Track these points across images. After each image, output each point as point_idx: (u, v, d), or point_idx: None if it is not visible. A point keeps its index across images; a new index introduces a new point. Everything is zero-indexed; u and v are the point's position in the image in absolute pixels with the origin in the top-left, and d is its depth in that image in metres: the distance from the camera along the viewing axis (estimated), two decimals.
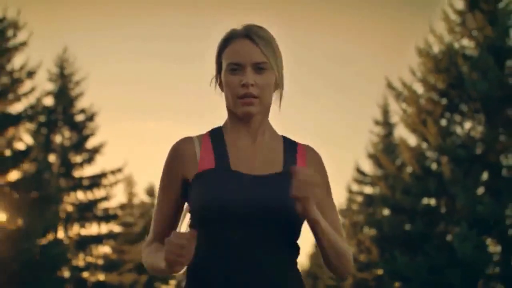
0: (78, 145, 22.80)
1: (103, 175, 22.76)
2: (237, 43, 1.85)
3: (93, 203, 22.47)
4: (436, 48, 17.61)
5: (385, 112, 25.25)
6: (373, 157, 24.08)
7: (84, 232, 22.25)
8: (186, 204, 1.89)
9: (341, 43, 42.39)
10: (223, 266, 1.77)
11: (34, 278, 15.41)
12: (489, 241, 16.05)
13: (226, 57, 1.86)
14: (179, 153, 1.90)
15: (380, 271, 20.15)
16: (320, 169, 1.93)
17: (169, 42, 42.01)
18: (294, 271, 1.87)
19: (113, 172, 22.93)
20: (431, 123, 16.74)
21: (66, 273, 20.40)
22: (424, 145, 17.61)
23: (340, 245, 1.84)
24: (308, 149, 1.95)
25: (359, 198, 26.32)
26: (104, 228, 22.64)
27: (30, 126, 16.75)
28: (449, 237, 16.18)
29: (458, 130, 17.27)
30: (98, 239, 22.19)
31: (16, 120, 15.62)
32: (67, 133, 22.95)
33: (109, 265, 22.45)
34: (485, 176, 16.62)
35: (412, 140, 18.64)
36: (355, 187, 26.53)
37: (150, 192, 35.57)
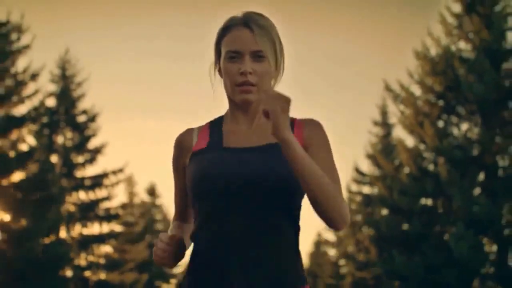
0: (80, 146, 23.00)
1: (104, 175, 22.97)
2: (236, 31, 1.86)
3: (95, 203, 22.67)
4: (433, 51, 17.85)
5: (384, 113, 25.45)
6: (371, 157, 24.27)
7: (86, 231, 22.46)
8: None
9: (341, 43, 42.40)
10: (214, 241, 1.78)
11: (38, 277, 15.59)
12: (485, 241, 16.24)
13: (225, 45, 1.88)
14: (179, 144, 1.96)
15: (378, 270, 20.38)
16: (319, 133, 1.90)
17: (169, 41, 42.02)
18: (287, 240, 1.81)
19: (114, 172, 23.14)
20: (428, 125, 16.97)
21: (69, 272, 20.59)
22: (422, 146, 17.81)
23: (323, 180, 1.73)
24: (306, 121, 1.93)
25: (358, 198, 26.54)
26: (105, 228, 22.87)
27: (33, 127, 16.95)
28: (446, 237, 16.36)
29: (455, 131, 17.47)
30: (100, 239, 22.39)
31: (20, 122, 15.84)
32: (69, 133, 23.15)
33: (111, 264, 22.65)
34: (481, 177, 16.80)
35: (410, 141, 18.87)
36: (354, 187, 26.77)
37: (150, 191, 35.73)
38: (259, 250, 1.76)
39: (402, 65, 18.27)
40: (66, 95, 23.21)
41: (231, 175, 1.78)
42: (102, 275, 22.50)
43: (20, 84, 16.33)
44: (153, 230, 32.95)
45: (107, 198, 22.95)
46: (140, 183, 43.59)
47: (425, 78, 17.71)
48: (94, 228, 22.67)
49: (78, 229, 22.24)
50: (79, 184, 22.65)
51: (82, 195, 22.65)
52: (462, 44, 17.75)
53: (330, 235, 33.81)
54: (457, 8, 17.91)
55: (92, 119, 23.26)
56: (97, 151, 23.00)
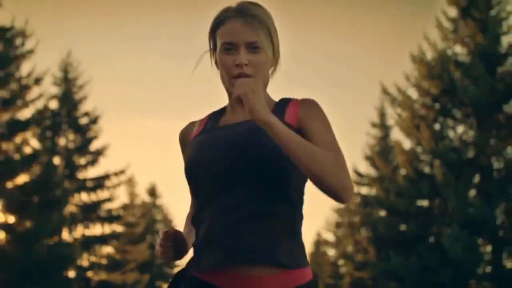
0: (82, 148, 23.22)
1: (106, 176, 23.20)
2: (230, 23, 1.84)
3: (97, 204, 22.92)
4: (429, 55, 18.14)
5: (382, 114, 25.66)
6: (369, 159, 24.49)
7: (88, 232, 22.71)
8: None
9: (341, 43, 42.26)
10: (209, 223, 1.76)
11: (42, 277, 15.82)
12: (480, 241, 16.49)
13: (220, 36, 1.85)
14: (182, 138, 1.99)
15: (376, 271, 20.62)
16: (315, 109, 1.84)
17: (169, 41, 41.85)
18: (281, 221, 1.75)
19: (116, 174, 23.39)
20: (424, 128, 17.26)
21: (72, 273, 20.81)
22: (419, 149, 18.08)
23: (315, 153, 1.67)
24: (302, 99, 1.89)
25: (357, 199, 26.74)
26: (107, 229, 23.11)
27: (37, 130, 17.24)
28: (441, 238, 16.65)
29: (451, 134, 17.75)
30: (102, 240, 22.61)
31: (24, 125, 16.11)
32: (71, 135, 23.37)
33: (113, 265, 22.87)
34: (476, 178, 17.08)
35: (407, 143, 19.13)
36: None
37: (151, 192, 35.92)
38: (251, 229, 1.71)
39: (402, 65, 18.56)
40: (68, 97, 23.45)
41: (215, 155, 1.77)
42: (104, 275, 22.73)
43: (24, 88, 16.61)
44: (153, 231, 33.15)
45: (109, 200, 23.19)
46: (140, 183, 43.49)
47: (421, 81, 18.00)
48: (96, 229, 22.94)
49: (80, 230, 22.47)
50: (81, 186, 22.88)
51: (84, 197, 22.89)
52: (458, 48, 18.07)
53: (329, 235, 34.06)
54: (453, 12, 18.23)
55: (94, 121, 23.50)
56: (98, 153, 23.22)
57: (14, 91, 16.33)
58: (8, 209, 16.01)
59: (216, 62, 1.92)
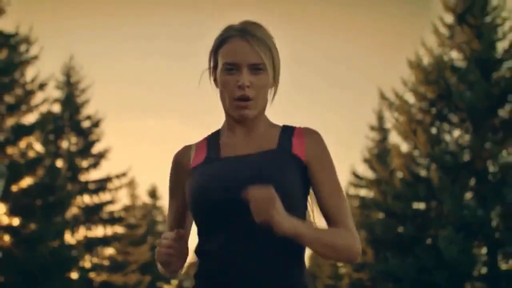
0: (84, 150, 23.47)
1: (108, 179, 23.46)
2: (233, 43, 1.82)
3: (99, 206, 23.19)
4: (426, 60, 18.42)
5: (380, 118, 25.92)
6: (368, 161, 24.73)
7: (90, 234, 22.96)
8: None
9: (341, 43, 42.10)
10: (217, 254, 1.74)
11: (46, 279, 16.08)
12: (475, 244, 16.71)
13: (222, 56, 1.83)
14: (177, 161, 1.91)
15: (374, 272, 20.82)
16: (319, 148, 1.84)
17: (170, 41, 41.90)
18: (288, 247, 1.74)
19: (118, 177, 23.65)
20: (421, 132, 17.55)
21: (74, 274, 21.04)
22: (416, 152, 18.36)
23: (336, 243, 1.73)
24: (306, 129, 1.88)
25: (356, 201, 26.95)
26: (109, 230, 23.36)
27: (41, 134, 17.52)
28: (438, 240, 16.92)
29: (447, 138, 18.01)
30: (104, 241, 22.86)
31: (29, 130, 16.42)
32: (73, 138, 23.60)
33: (114, 266, 23.12)
34: (472, 182, 17.36)
35: (404, 146, 19.41)
36: (352, 190, 27.24)
37: (151, 193, 36.12)
38: (262, 261, 1.71)
39: (402, 65, 18.66)
40: (71, 101, 23.70)
41: (227, 187, 1.73)
42: (106, 277, 22.99)
43: (28, 94, 16.92)
44: (154, 232, 33.35)
45: (111, 202, 23.45)
46: (141, 183, 43.37)
47: (418, 86, 18.29)
48: (98, 231, 23.19)
49: (82, 232, 22.70)
50: (84, 188, 23.12)
51: (87, 199, 23.15)
52: (454, 54, 18.36)
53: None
54: (449, 18, 18.53)
55: (96, 124, 23.77)
56: (101, 155, 23.47)
57: (19, 96, 16.65)
58: (12, 212, 16.28)
59: (214, 80, 1.90)
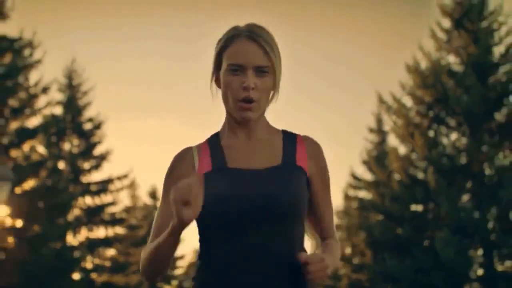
0: (86, 152, 23.68)
1: (110, 181, 23.67)
2: (239, 44, 1.83)
3: (101, 207, 23.40)
4: (423, 65, 18.64)
5: (379, 120, 26.10)
6: (367, 163, 24.93)
7: (92, 235, 23.16)
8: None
9: (341, 43, 41.99)
10: (232, 259, 1.76)
11: (50, 280, 16.26)
12: (472, 245, 16.90)
13: (228, 57, 1.84)
14: (180, 162, 1.90)
15: (373, 273, 20.97)
16: (321, 161, 1.91)
17: (169, 41, 41.62)
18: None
19: (119, 178, 23.86)
20: (418, 135, 17.77)
21: (76, 275, 21.21)
22: (413, 155, 18.56)
23: (338, 257, 1.92)
24: (307, 140, 1.92)
25: (355, 202, 27.13)
26: (110, 231, 23.57)
27: (44, 137, 17.75)
28: (435, 242, 17.11)
29: (444, 141, 18.20)
30: (106, 242, 23.05)
31: (32, 133, 16.63)
32: (75, 140, 23.78)
33: (116, 267, 23.29)
34: (469, 184, 17.56)
35: (403, 149, 19.60)
36: (351, 192, 27.44)
37: (152, 194, 36.26)
38: (277, 267, 1.77)
39: (402, 66, 18.78)
40: (73, 103, 23.90)
41: (249, 197, 1.76)
42: (108, 277, 23.21)
43: (32, 97, 17.15)
44: None
45: (112, 203, 23.65)
46: (141, 184, 43.08)
47: (416, 90, 18.50)
48: (100, 232, 23.39)
49: (84, 233, 22.89)
50: (86, 190, 23.30)
51: (89, 200, 23.35)
52: (452, 58, 18.57)
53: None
54: (446, 23, 18.73)
55: (98, 126, 23.98)
56: (102, 157, 23.68)
57: (23, 100, 16.86)
58: (16, 214, 16.48)
59: (216, 80, 1.91)
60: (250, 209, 1.74)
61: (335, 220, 32.16)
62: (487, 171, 17.39)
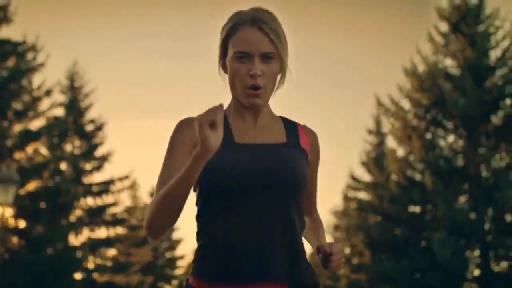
0: (88, 153, 23.85)
1: (111, 181, 23.85)
2: (245, 31, 1.82)
3: (102, 208, 23.59)
4: (421, 68, 18.86)
5: (378, 122, 26.27)
6: (365, 165, 25.13)
7: (94, 235, 23.35)
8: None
9: (341, 43, 41.90)
10: (239, 237, 1.78)
11: (53, 280, 16.47)
12: (468, 246, 17.13)
13: (233, 44, 1.84)
14: (189, 125, 1.89)
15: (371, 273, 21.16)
16: (318, 148, 2.00)
17: (170, 41, 41.96)
18: (298, 232, 1.88)
19: (120, 179, 24.04)
20: (416, 137, 17.99)
21: (78, 275, 21.41)
22: (411, 157, 18.78)
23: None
24: (306, 128, 2.00)
25: (354, 203, 27.30)
26: (112, 232, 23.76)
27: (47, 139, 17.95)
28: (432, 243, 17.25)
29: (441, 143, 18.44)
30: (107, 243, 23.22)
31: (36, 136, 16.86)
32: (77, 142, 23.94)
33: (117, 267, 23.46)
34: (465, 186, 17.79)
35: (400, 151, 19.81)
36: (351, 193, 27.63)
37: (152, 194, 36.30)
38: (277, 236, 1.81)
39: (402, 66, 18.98)
40: (75, 105, 24.09)
41: (256, 170, 1.80)
42: (109, 277, 23.41)
43: (35, 100, 17.38)
44: None
45: (113, 204, 23.84)
46: (141, 184, 43.24)
47: (413, 93, 18.73)
48: (101, 232, 23.58)
49: (86, 233, 23.08)
50: (87, 190, 23.48)
51: (90, 201, 23.53)
52: (449, 62, 18.80)
53: (327, 238, 34.52)
54: (444, 27, 18.96)
55: (99, 128, 24.17)
56: (104, 158, 23.86)
57: (26, 103, 17.10)
58: (19, 215, 16.71)
59: (222, 66, 1.92)
60: (256, 182, 1.79)
61: (334, 221, 32.43)
62: (484, 173, 17.61)
